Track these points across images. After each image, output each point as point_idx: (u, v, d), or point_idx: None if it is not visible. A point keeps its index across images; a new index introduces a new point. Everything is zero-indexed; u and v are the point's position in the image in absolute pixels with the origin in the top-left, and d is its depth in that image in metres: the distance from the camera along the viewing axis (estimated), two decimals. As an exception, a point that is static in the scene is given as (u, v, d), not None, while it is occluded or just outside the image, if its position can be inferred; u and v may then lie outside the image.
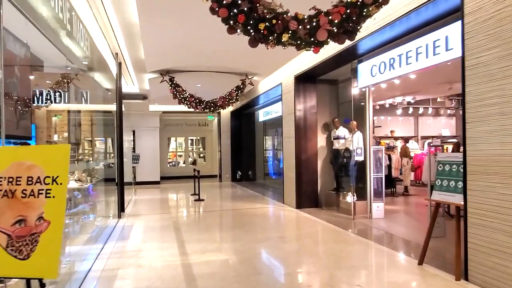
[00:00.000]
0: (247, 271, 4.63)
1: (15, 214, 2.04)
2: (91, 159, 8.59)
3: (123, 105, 13.24)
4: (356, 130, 8.31)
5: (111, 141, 10.61)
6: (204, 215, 9.42)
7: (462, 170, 4.15)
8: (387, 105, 13.70)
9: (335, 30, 3.19)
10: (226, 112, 17.38)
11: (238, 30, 3.21)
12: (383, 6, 3.30)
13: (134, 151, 16.57)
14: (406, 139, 12.58)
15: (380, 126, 13.74)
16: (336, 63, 7.70)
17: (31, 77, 7.59)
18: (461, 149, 4.18)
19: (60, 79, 7.37)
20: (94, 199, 6.70)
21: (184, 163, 20.22)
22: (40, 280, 2.13)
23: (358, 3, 3.14)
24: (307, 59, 8.25)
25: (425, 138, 16.00)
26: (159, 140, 17.27)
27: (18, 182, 2.07)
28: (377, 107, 12.92)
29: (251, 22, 3.05)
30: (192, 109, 10.19)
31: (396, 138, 14.79)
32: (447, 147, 9.58)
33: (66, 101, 7.49)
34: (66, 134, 7.70)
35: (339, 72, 8.62)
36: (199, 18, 5.89)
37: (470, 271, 3.96)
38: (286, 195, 9.85)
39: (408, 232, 6.58)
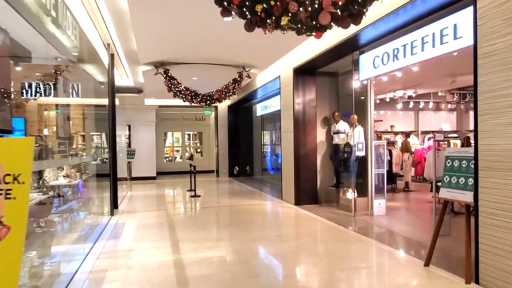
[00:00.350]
0: (243, 273, 4.37)
1: (-30, 219, 1.76)
2: (84, 154, 8.30)
3: (117, 99, 12.96)
4: (357, 124, 8.03)
5: (105, 135, 10.32)
6: (199, 212, 9.15)
7: (473, 166, 3.88)
8: (388, 99, 13.43)
9: (339, 13, 2.90)
10: (223, 106, 17.08)
11: (233, 13, 2.91)
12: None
13: (129, 146, 16.28)
14: (407, 134, 12.29)
15: (381, 120, 13.48)
16: (337, 54, 7.40)
17: (18, 68, 7.25)
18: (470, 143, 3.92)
19: (51, 71, 7.08)
20: (85, 196, 6.41)
21: (181, 158, 19.93)
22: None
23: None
24: (306, 51, 7.96)
25: (425, 133, 15.78)
26: (155, 135, 16.95)
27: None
28: (377, 101, 12.64)
29: (247, 3, 2.75)
30: (188, 103, 9.89)
31: (396, 133, 14.55)
32: (455, 142, 9.28)
33: (57, 94, 7.20)
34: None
35: (339, 64, 8.33)
36: (193, 6, 5.59)
37: (482, 274, 3.70)
38: (285, 191, 9.59)
39: (412, 230, 6.32)
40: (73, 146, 7.73)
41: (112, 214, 8.03)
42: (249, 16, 2.82)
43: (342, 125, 8.75)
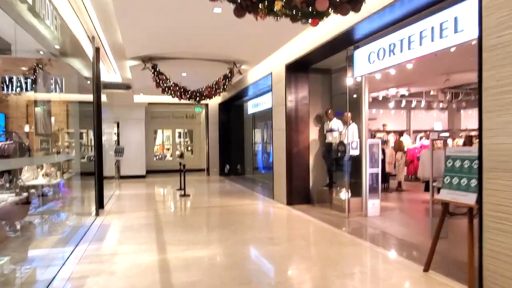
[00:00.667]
0: (234, 279, 4.10)
1: None
2: (67, 151, 7.96)
3: (105, 96, 12.57)
4: (351, 122, 7.82)
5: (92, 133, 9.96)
6: (188, 212, 8.87)
7: (476, 166, 3.67)
8: (380, 98, 13.26)
9: (338, -1, 2.65)
10: (214, 104, 16.78)
11: (221, -3, 2.64)
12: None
13: (118, 144, 15.91)
14: (400, 133, 12.13)
15: (375, 119, 13.29)
16: (331, 49, 7.16)
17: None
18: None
19: (32, 64, 6.72)
20: (67, 196, 6.09)
21: (171, 156, 19.59)
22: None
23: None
24: (299, 46, 7.71)
25: (417, 132, 15.68)
26: (144, 132, 16.59)
27: None
28: (370, 99, 12.44)
29: (237, -15, 2.49)
30: (177, 100, 9.59)
31: (388, 132, 14.41)
32: (457, 141, 9.09)
33: (38, 89, 6.85)
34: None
35: (333, 60, 8.10)
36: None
37: (486, 281, 3.48)
38: (276, 191, 9.34)
39: (407, 232, 6.11)
40: (57, 144, 7.40)
41: (97, 214, 7.71)
42: (239, 0, 2.55)
43: (335, 123, 8.52)
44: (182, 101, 9.55)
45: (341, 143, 7.95)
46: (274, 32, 6.95)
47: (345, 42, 6.77)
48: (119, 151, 14.71)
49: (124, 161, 15.47)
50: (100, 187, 8.22)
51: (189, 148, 20.14)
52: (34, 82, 6.56)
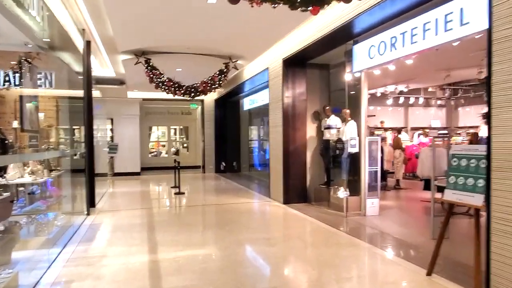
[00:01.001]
0: (227, 283, 3.89)
1: None
2: (62, 148, 7.70)
3: (99, 91, 12.30)
4: (350, 119, 7.61)
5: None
6: (183, 211, 8.65)
7: (483, 166, 3.47)
8: (379, 94, 13.06)
9: (340, -15, 2.43)
10: (209, 100, 16.54)
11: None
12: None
13: (112, 141, 15.63)
14: (398, 130, 11.93)
15: (374, 115, 13.08)
16: (329, 44, 6.95)
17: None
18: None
19: (20, 58, 6.46)
20: (54, 195, 5.84)
21: (166, 153, 19.33)
22: None
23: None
24: (297, 40, 7.48)
25: (415, 129, 15.50)
26: (139, 129, 16.30)
27: None
28: (368, 96, 12.25)
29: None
30: (171, 95, 9.33)
31: (386, 129, 14.22)
32: (464, 139, 8.86)
33: (25, 84, 6.59)
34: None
35: (331, 56, 7.89)
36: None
37: (493, 287, 3.30)
38: (273, 189, 9.14)
39: (408, 233, 5.92)
40: (47, 141, 7.14)
41: (88, 213, 7.48)
42: (232, -15, 2.33)
43: (333, 120, 8.31)
44: (177, 97, 9.29)
45: (339, 140, 7.74)
46: (271, 26, 6.72)
47: (344, 36, 6.56)
48: (113, 148, 14.45)
49: (118, 158, 15.23)
50: (91, 185, 7.99)
51: (185, 145, 19.89)
52: (20, 76, 6.30)
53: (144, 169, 16.64)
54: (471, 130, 11.58)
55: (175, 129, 19.86)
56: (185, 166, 15.89)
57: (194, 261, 4.63)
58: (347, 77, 7.21)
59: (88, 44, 7.75)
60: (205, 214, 8.07)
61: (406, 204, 8.70)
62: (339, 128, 8.12)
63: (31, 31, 4.84)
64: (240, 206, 8.50)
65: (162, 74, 8.62)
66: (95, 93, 11.16)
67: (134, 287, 3.81)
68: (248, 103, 14.40)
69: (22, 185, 5.41)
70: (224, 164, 16.32)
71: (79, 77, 7.91)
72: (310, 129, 8.74)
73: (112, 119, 15.84)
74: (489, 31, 3.29)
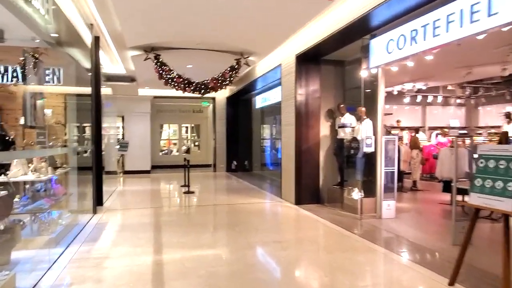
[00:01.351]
0: (233, 290, 3.66)
1: None
2: (65, 145, 7.57)
3: (109, 88, 12.21)
4: (365, 117, 7.30)
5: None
6: (191, 211, 8.45)
7: (515, 168, 3.16)
8: (395, 92, 12.66)
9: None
10: (221, 98, 16.34)
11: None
12: None
13: (123, 138, 15.56)
14: (416, 129, 11.53)
15: (391, 114, 12.69)
16: (345, 38, 6.65)
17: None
18: None
19: (27, 53, 6.33)
20: (59, 193, 5.69)
21: (177, 151, 19.20)
22: None
23: None
24: (311, 35, 7.20)
25: (432, 128, 15.05)
26: (150, 127, 16.19)
27: None
28: (384, 94, 11.88)
29: None
30: (181, 92, 9.13)
31: (402, 128, 13.82)
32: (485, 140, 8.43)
33: (30, 79, 6.47)
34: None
35: (346, 52, 7.59)
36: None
37: (526, 301, 2.99)
38: (285, 189, 8.87)
39: (426, 237, 5.60)
40: (55, 137, 7.01)
41: (94, 212, 7.33)
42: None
43: (348, 119, 8.00)
44: (186, 93, 9.09)
45: (354, 139, 7.44)
46: (284, 19, 6.46)
47: (360, 30, 6.26)
48: (123, 146, 14.36)
49: (128, 156, 15.13)
50: (98, 182, 7.85)
51: (196, 143, 19.74)
52: (25, 72, 6.18)
53: (154, 167, 16.53)
54: (492, 130, 11.13)
55: (186, 127, 19.72)
56: (196, 164, 15.73)
57: (201, 264, 4.40)
58: (363, 73, 6.90)
59: (96, 39, 7.60)
60: (214, 214, 7.85)
61: (424, 206, 8.33)
62: (353, 127, 7.82)
63: (36, 25, 4.66)
64: (251, 206, 8.26)
65: (171, 70, 8.42)
66: (106, 91, 11.05)
67: (136, 293, 3.61)
68: (260, 101, 14.15)
69: (25, 183, 5.27)
70: (235, 163, 16.10)
71: (89, 74, 7.76)
72: (324, 128, 8.44)
73: (123, 117, 15.76)
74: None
